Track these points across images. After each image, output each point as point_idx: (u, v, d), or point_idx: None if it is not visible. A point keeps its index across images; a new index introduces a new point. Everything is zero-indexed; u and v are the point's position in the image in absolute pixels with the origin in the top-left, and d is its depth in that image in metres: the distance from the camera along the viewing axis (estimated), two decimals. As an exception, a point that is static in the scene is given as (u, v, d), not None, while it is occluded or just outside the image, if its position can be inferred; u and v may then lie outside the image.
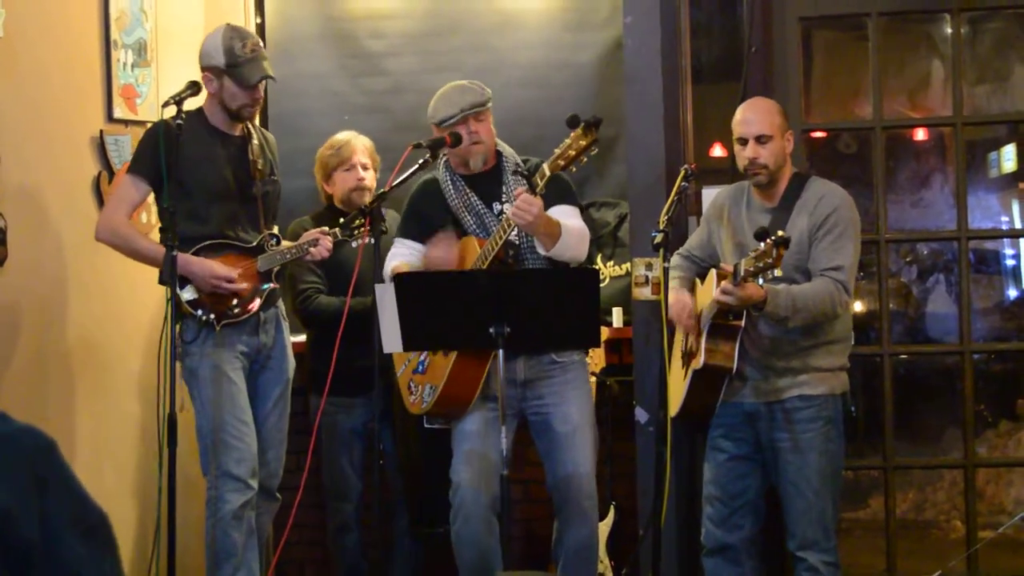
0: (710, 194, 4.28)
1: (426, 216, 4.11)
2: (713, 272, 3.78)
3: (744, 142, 3.85)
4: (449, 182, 4.06)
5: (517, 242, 3.91)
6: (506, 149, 4.12)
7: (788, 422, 3.80)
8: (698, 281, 3.99)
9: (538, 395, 3.98)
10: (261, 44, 4.10)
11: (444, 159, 4.10)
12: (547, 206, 3.94)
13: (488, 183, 4.04)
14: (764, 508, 3.96)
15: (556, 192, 3.90)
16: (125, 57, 4.52)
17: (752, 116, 3.88)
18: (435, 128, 4.05)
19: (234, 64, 4.00)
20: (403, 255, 4.12)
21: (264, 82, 4.08)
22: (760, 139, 3.83)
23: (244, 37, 4.05)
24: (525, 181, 3.72)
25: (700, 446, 4.17)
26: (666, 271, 3.86)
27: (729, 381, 3.80)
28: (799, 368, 3.80)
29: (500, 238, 3.82)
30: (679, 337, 4.02)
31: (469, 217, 4.02)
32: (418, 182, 4.16)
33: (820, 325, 3.77)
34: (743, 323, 3.72)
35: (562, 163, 3.62)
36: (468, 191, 4.04)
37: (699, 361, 3.73)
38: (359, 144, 4.64)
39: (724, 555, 3.95)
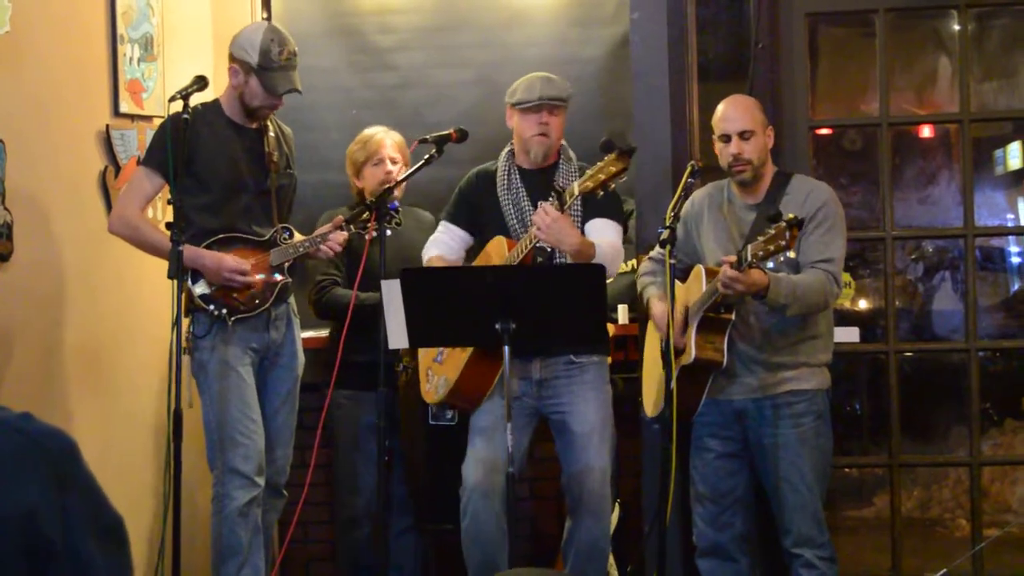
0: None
1: (474, 204, 4.15)
2: (700, 268, 3.78)
3: (727, 139, 3.89)
4: (505, 174, 4.09)
5: (548, 250, 3.91)
6: (567, 152, 4.14)
7: (779, 418, 3.81)
8: (677, 282, 3.98)
9: (554, 395, 3.99)
10: (296, 53, 4.08)
11: (508, 148, 4.12)
12: (588, 218, 3.98)
13: (542, 181, 4.05)
14: (754, 505, 3.97)
15: (598, 205, 3.93)
16: (131, 52, 4.51)
17: (734, 113, 3.91)
18: (508, 108, 4.09)
19: (266, 67, 3.99)
20: (444, 243, 4.16)
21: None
22: (743, 135, 3.87)
23: (283, 43, 4.02)
24: (556, 197, 3.75)
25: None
26: (672, 268, 3.85)
27: (715, 378, 3.80)
28: (789, 363, 3.82)
29: (526, 246, 3.83)
30: (652, 337, 4.01)
31: (513, 212, 4.04)
32: (473, 170, 4.21)
33: (808, 319, 3.80)
34: (733, 316, 3.73)
35: (591, 185, 3.65)
36: (520, 186, 4.06)
37: (689, 356, 3.72)
38: (387, 139, 4.66)
39: (718, 555, 3.97)
